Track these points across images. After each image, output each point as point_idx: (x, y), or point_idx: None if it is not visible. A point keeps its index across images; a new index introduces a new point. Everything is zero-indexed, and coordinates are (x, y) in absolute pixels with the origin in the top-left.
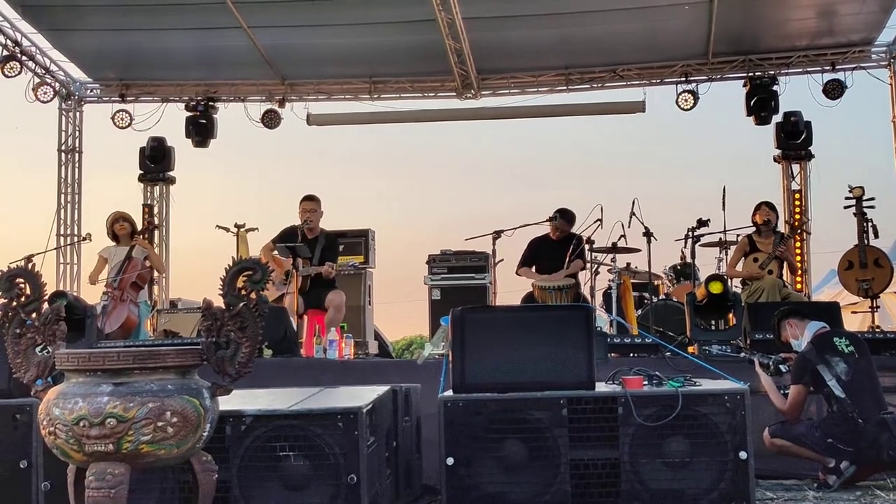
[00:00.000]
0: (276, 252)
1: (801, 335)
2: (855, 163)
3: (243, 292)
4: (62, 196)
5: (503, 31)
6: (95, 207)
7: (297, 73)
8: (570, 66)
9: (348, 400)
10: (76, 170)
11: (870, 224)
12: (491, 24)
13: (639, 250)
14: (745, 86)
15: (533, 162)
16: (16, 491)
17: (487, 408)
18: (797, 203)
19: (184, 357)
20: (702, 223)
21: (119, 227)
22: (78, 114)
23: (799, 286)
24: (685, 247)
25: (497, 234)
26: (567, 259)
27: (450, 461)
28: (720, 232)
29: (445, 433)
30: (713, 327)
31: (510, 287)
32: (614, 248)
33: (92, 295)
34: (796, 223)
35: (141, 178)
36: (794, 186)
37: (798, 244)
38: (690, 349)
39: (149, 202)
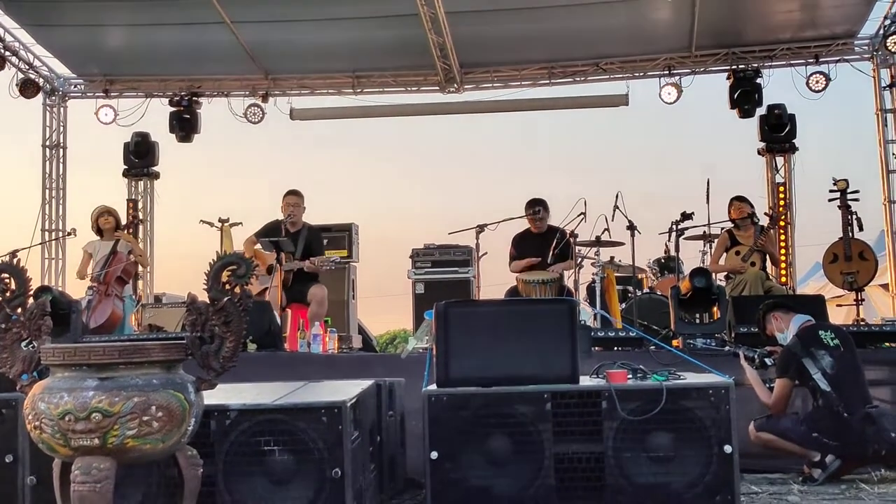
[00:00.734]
0: (258, 246)
1: (787, 328)
2: (839, 155)
3: (227, 287)
4: (47, 191)
5: (486, 25)
6: (80, 203)
7: (280, 68)
8: (553, 59)
9: (332, 394)
10: (60, 165)
11: (854, 217)
12: (473, 19)
13: (622, 244)
14: (728, 79)
15: (516, 156)
16: (1, 485)
17: (471, 402)
18: (781, 196)
19: (169, 352)
20: (686, 216)
21: (104, 220)
22: (62, 109)
23: (784, 279)
24: (669, 240)
25: (480, 228)
26: (551, 252)
27: (434, 455)
28: (704, 225)
29: (429, 427)
30: (697, 321)
31: (494, 281)
32: (598, 242)
33: (77, 290)
34: (773, 213)
35: (125, 174)
36: (779, 179)
37: (781, 235)
38: (675, 343)
39: (133, 197)
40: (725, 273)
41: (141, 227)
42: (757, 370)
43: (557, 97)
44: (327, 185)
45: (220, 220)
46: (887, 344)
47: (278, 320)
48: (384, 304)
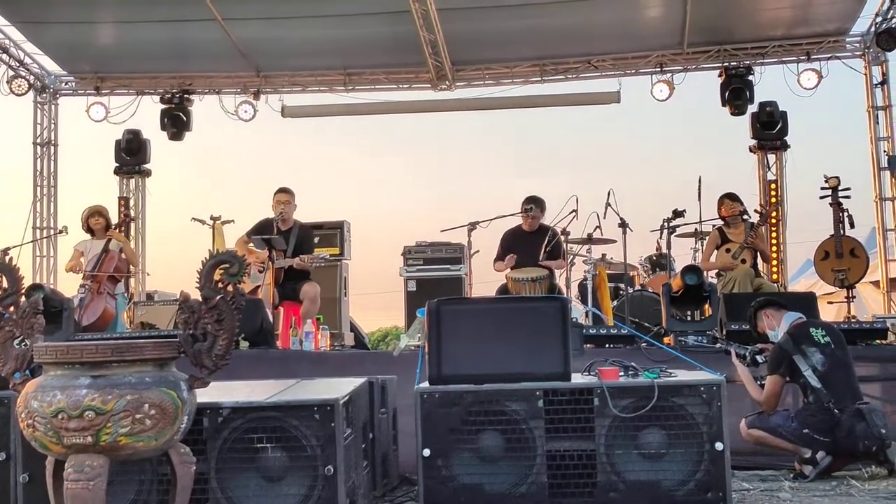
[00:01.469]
0: (251, 244)
1: (778, 326)
2: (831, 153)
3: (220, 285)
4: (38, 189)
5: (477, 22)
6: (71, 200)
7: (271, 65)
8: (545, 56)
9: (325, 392)
10: (51, 163)
11: (846, 214)
12: (465, 16)
13: (614, 241)
14: (720, 76)
15: (508, 153)
16: None
17: (463, 399)
18: (773, 193)
19: (161, 350)
20: (677, 214)
21: (94, 221)
22: (53, 107)
23: (775, 276)
24: (661, 237)
25: (472, 226)
26: (542, 250)
27: (426, 453)
28: (696, 222)
29: (422, 425)
30: (689, 318)
31: (486, 278)
32: (589, 239)
33: (69, 287)
34: (764, 210)
35: (116, 171)
36: (770, 176)
37: (773, 232)
38: (666, 340)
39: (124, 195)
40: (716, 270)
41: (133, 225)
42: (748, 367)
43: (549, 94)
44: (319, 183)
45: (212, 218)
46: (878, 341)
47: (270, 318)
48: (376, 302)
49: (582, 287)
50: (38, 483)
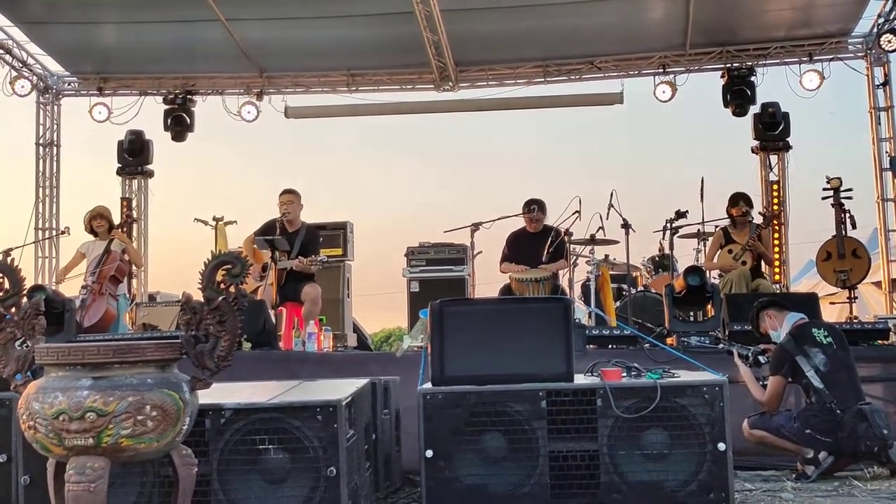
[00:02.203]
0: (255, 245)
1: (780, 326)
2: (832, 153)
3: (222, 286)
4: (40, 189)
5: (481, 23)
6: (73, 201)
7: (274, 66)
8: (548, 58)
9: (327, 393)
10: (54, 163)
11: (847, 215)
12: (468, 17)
13: (617, 242)
14: (722, 77)
15: (511, 153)
16: None
17: (466, 400)
18: (775, 194)
19: (163, 351)
20: (680, 214)
21: (97, 223)
22: (56, 107)
23: (777, 277)
24: (663, 238)
25: (475, 227)
26: (546, 251)
27: (429, 454)
28: (698, 223)
29: (425, 426)
30: (692, 319)
31: (489, 279)
32: (592, 240)
33: (70, 289)
34: (768, 213)
35: (119, 172)
36: (772, 177)
37: (775, 234)
38: (669, 341)
39: (127, 195)
40: (718, 271)
41: (135, 226)
42: (750, 368)
43: (552, 95)
44: (322, 184)
45: (215, 219)
46: (879, 341)
47: (273, 319)
48: (379, 303)
49: (585, 288)
50: (39, 485)
